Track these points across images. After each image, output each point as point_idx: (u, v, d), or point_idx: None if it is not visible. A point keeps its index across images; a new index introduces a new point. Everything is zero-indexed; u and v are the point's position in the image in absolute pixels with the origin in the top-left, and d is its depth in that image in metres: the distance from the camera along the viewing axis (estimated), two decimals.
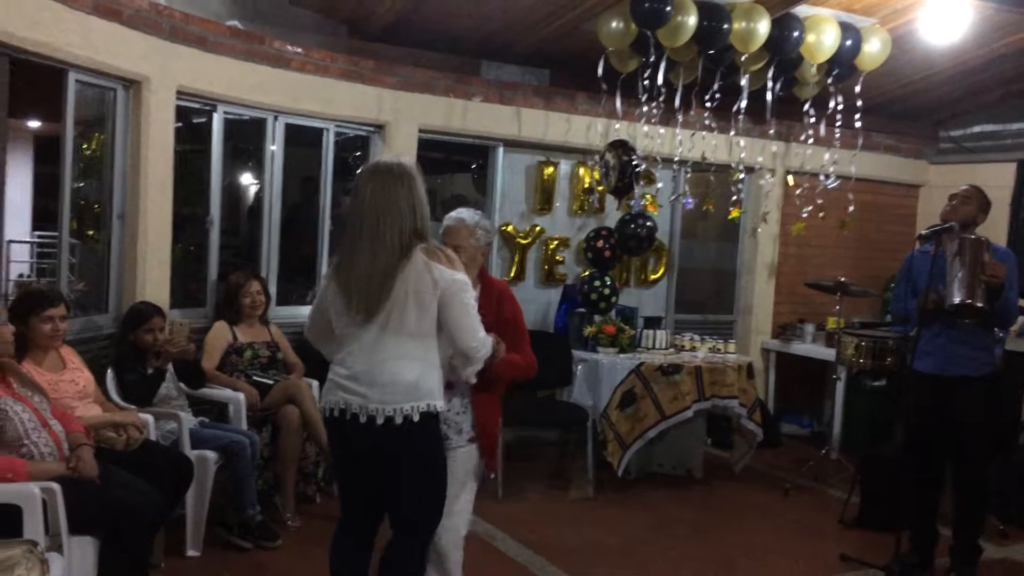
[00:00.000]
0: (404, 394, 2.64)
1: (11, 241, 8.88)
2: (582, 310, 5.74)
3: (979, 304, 3.77)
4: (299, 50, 5.13)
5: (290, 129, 5.28)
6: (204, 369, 4.46)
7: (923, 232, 4.08)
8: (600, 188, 6.05)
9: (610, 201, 6.15)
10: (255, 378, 4.58)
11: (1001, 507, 4.71)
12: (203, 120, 5.04)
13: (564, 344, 5.64)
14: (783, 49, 5.45)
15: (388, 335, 2.64)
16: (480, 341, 2.74)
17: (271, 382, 4.57)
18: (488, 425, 3.08)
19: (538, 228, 6.19)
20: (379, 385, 2.64)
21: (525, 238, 6.14)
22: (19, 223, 9.25)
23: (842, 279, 5.85)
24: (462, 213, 3.14)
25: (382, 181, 2.68)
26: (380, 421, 2.62)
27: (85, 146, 4.68)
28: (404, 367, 2.65)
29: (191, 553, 3.90)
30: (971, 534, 4.08)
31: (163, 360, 4.09)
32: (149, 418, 3.75)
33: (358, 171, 2.89)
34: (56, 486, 2.89)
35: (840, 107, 5.96)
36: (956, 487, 4.12)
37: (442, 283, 2.65)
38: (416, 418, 2.64)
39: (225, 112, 4.97)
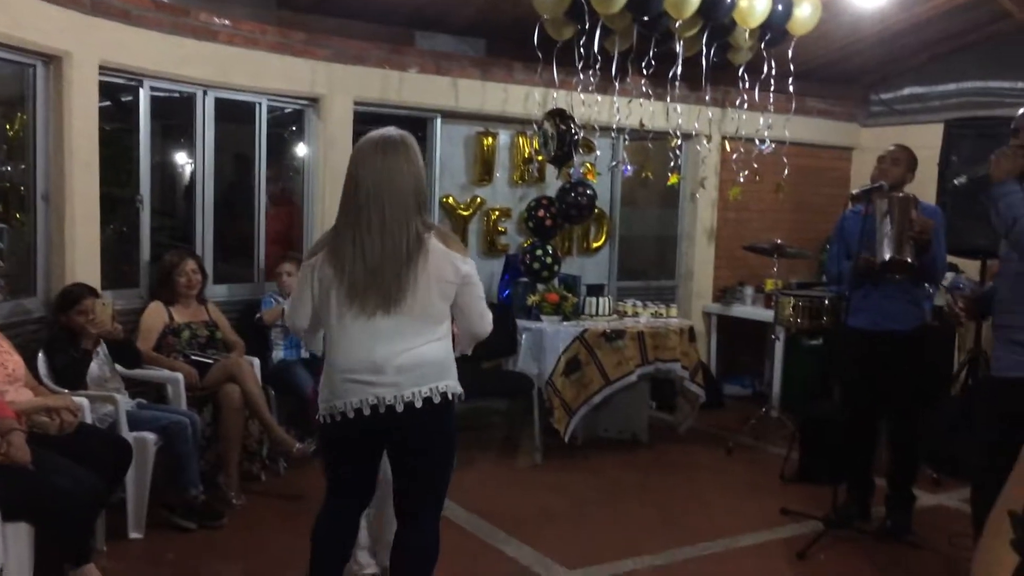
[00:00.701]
0: (437, 374, 2.61)
1: None
2: (525, 279, 5.75)
3: (908, 259, 3.87)
4: (227, 22, 5.01)
5: (222, 105, 5.16)
6: (140, 350, 4.38)
7: (854, 192, 4.17)
8: (540, 157, 6.04)
9: (550, 170, 6.15)
10: (193, 358, 4.51)
11: (933, 456, 4.87)
12: (130, 98, 4.90)
13: (508, 314, 5.64)
14: (716, 14, 5.47)
15: (414, 325, 2.57)
16: (490, 323, 2.77)
17: (210, 361, 4.50)
18: None
19: (479, 199, 6.17)
20: (409, 370, 2.56)
21: (466, 209, 6.12)
22: None
23: (779, 242, 5.96)
24: None
25: (387, 160, 2.55)
26: (419, 405, 2.56)
27: (8, 126, 4.51)
28: (431, 350, 2.61)
29: (134, 536, 3.84)
30: (905, 483, 4.22)
31: (87, 341, 4.00)
32: (84, 401, 3.66)
33: (356, 145, 2.67)
34: None
35: (773, 72, 6.03)
36: (890, 438, 4.25)
37: (462, 269, 2.62)
38: (450, 397, 2.63)
39: (152, 88, 4.83)
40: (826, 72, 7.11)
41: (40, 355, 3.98)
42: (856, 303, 4.10)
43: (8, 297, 4.28)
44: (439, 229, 2.66)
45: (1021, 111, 3.33)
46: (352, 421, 2.58)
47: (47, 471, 3.06)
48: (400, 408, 2.55)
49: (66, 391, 3.79)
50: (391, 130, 2.65)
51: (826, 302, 5.49)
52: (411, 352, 2.57)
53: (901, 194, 3.99)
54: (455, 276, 2.61)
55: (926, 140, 5.58)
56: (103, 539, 3.66)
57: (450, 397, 2.64)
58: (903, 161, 4.12)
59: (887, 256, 3.90)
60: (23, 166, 4.48)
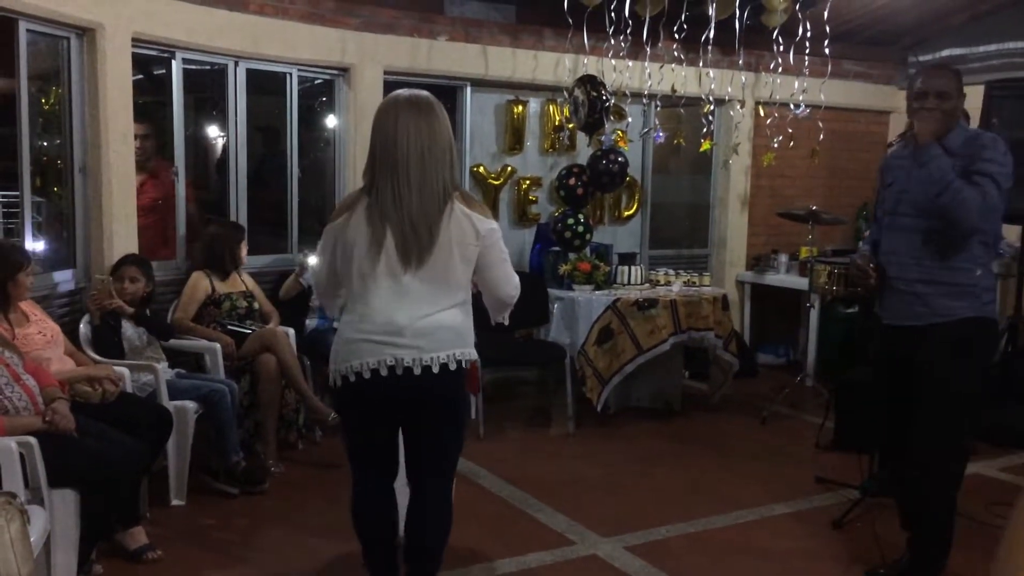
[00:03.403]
0: (453, 341, 2.59)
1: None
2: (556, 249, 5.74)
3: None
4: None
5: (254, 77, 5.17)
6: (177, 320, 4.45)
7: (893, 141, 4.07)
8: (570, 125, 6.00)
9: (581, 138, 6.11)
10: (231, 327, 4.56)
11: (975, 426, 4.80)
12: (163, 71, 4.92)
13: (540, 283, 5.64)
14: None
15: (434, 287, 2.55)
16: (516, 287, 2.72)
17: (247, 331, 4.55)
18: None
19: (509, 168, 6.14)
20: (429, 335, 2.54)
21: (497, 179, 6.10)
22: None
23: (814, 208, 5.88)
24: None
25: (424, 116, 2.52)
26: (436, 369, 2.55)
27: (44, 101, 4.55)
28: (452, 316, 2.59)
29: (175, 502, 3.92)
30: None
31: (94, 315, 4.07)
32: (125, 371, 3.74)
33: (385, 101, 2.62)
34: (33, 440, 2.88)
35: (809, 35, 5.91)
36: None
37: (483, 230, 2.58)
38: (465, 364, 2.62)
39: (184, 59, 4.85)
40: (863, 34, 6.96)
41: (82, 324, 4.07)
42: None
43: (47, 268, 4.36)
44: (463, 192, 2.63)
45: (917, 76, 3.17)
46: (368, 382, 2.55)
47: (91, 438, 3.13)
48: (418, 371, 2.53)
49: (107, 360, 3.86)
50: (418, 91, 2.63)
51: None
52: (431, 317, 2.55)
53: None
54: (475, 238, 2.57)
55: (967, 102, 5.45)
56: (146, 506, 3.74)
57: (464, 365, 2.62)
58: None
59: None
60: (59, 140, 4.53)
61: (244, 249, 4.76)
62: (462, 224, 2.54)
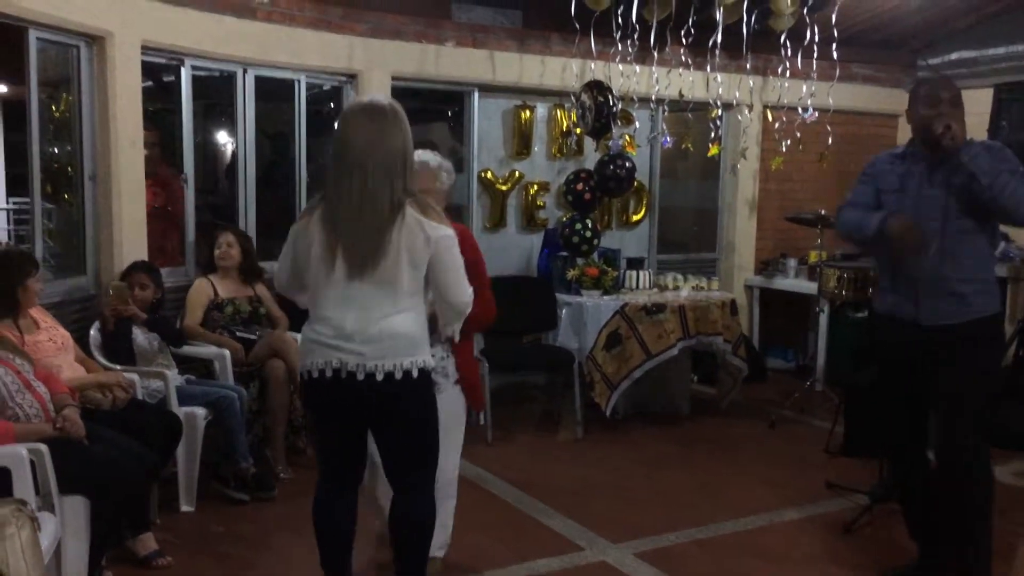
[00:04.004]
0: (402, 350, 2.60)
1: None
2: (564, 254, 5.73)
3: None
4: None
5: (262, 83, 5.19)
6: (186, 326, 4.47)
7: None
8: (578, 130, 6.00)
9: (588, 143, 6.10)
10: (238, 333, 4.57)
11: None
12: (172, 78, 4.94)
13: (548, 288, 5.65)
14: None
15: (382, 292, 2.57)
16: (467, 294, 2.72)
17: (254, 337, 4.56)
18: (468, 366, 3.11)
19: (517, 173, 6.14)
20: (376, 342, 2.57)
21: (504, 184, 6.11)
22: None
23: (823, 212, 5.86)
24: (425, 156, 3.10)
25: (375, 126, 2.55)
26: (380, 377, 2.57)
27: (54, 108, 4.58)
28: (400, 323, 2.60)
29: (185, 508, 3.93)
30: None
31: (107, 321, 4.10)
32: (135, 377, 3.75)
33: (345, 108, 2.68)
34: (44, 447, 2.89)
35: (816, 38, 5.90)
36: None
37: (433, 239, 2.58)
38: (415, 374, 2.62)
39: (193, 66, 4.87)
40: (871, 37, 6.94)
41: (93, 329, 4.10)
42: None
43: (57, 275, 4.38)
44: (418, 198, 2.63)
45: (923, 86, 3.24)
46: (318, 382, 2.62)
47: (101, 445, 3.14)
48: (361, 376, 2.56)
49: (117, 367, 3.88)
50: (379, 96, 2.70)
51: (871, 273, 5.41)
52: (380, 323, 2.57)
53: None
54: (425, 243, 2.57)
55: (976, 105, 5.45)
56: (156, 512, 3.75)
57: (414, 374, 2.61)
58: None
59: None
60: (68, 147, 4.56)
61: (231, 248, 4.67)
62: (412, 230, 2.56)
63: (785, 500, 4.25)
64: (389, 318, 2.58)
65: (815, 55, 6.00)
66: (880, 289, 3.41)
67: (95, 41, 4.33)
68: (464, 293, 2.71)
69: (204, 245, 4.82)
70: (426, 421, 2.74)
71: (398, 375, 2.58)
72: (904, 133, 7.24)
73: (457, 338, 2.88)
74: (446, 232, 2.62)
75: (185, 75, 4.85)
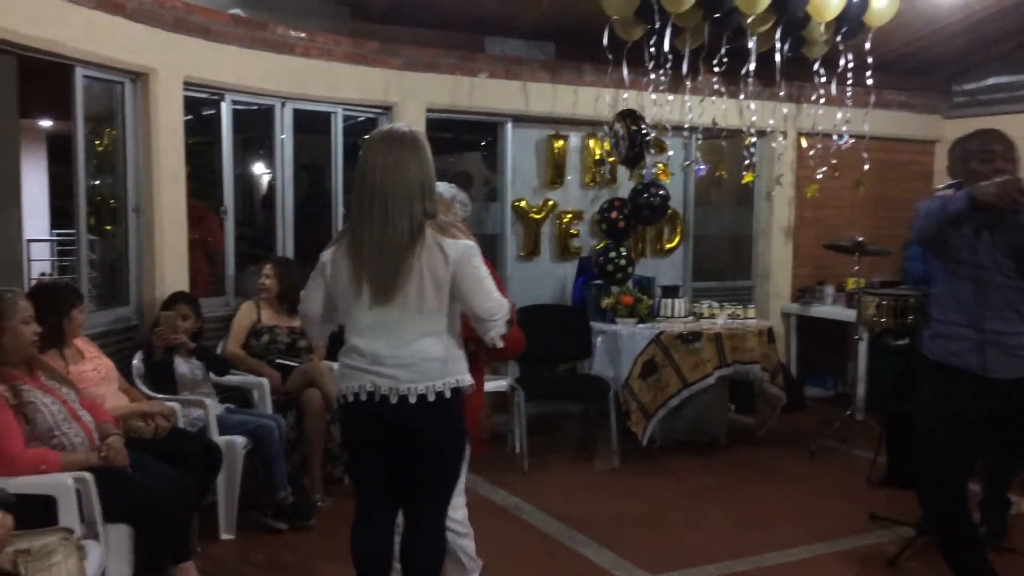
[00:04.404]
0: (435, 372, 2.61)
1: (31, 240, 8.96)
2: (599, 282, 5.73)
3: None
4: (303, 35, 5.13)
5: (299, 116, 5.28)
6: (228, 352, 4.57)
7: (939, 188, 4.02)
8: (611, 159, 6.02)
9: (622, 172, 6.12)
10: (277, 360, 4.63)
11: None
12: (212, 112, 5.05)
13: (582, 317, 5.64)
14: (790, 9, 5.38)
15: (409, 315, 2.60)
16: (496, 301, 2.69)
17: (294, 364, 4.61)
18: (472, 408, 2.99)
19: (551, 202, 6.17)
20: (407, 366, 2.59)
21: (538, 213, 6.13)
22: (37, 222, 9.34)
23: (860, 239, 5.81)
24: (440, 187, 3.09)
25: (394, 154, 2.58)
26: (413, 400, 2.58)
27: (98, 142, 4.70)
28: (430, 345, 2.62)
29: (225, 537, 3.95)
30: (1000, 488, 4.06)
31: (157, 351, 4.16)
32: (176, 406, 3.79)
33: (366, 137, 2.72)
34: (89, 476, 2.93)
35: (850, 65, 5.89)
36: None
37: (452, 254, 2.59)
38: (448, 394, 2.62)
39: (233, 101, 4.97)
40: (905, 63, 6.92)
41: (136, 359, 4.17)
42: None
43: (100, 306, 4.46)
44: (439, 220, 2.65)
45: (974, 139, 3.11)
46: (355, 406, 2.65)
47: (144, 474, 3.17)
48: (394, 400, 2.58)
49: (159, 395, 3.93)
50: (400, 125, 2.72)
51: (912, 300, 5.34)
52: (410, 346, 2.59)
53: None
54: (444, 263, 2.58)
55: (1013, 131, 5.32)
56: (196, 540, 3.76)
57: (447, 395, 2.63)
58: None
59: None
60: (110, 180, 4.66)
61: (268, 280, 4.75)
62: (433, 253, 2.58)
63: (827, 532, 4.17)
64: (418, 341, 2.60)
65: (849, 82, 5.98)
66: (934, 335, 3.25)
67: (139, 78, 4.44)
68: (488, 299, 2.66)
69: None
70: (454, 443, 2.74)
71: (431, 397, 2.60)
72: (942, 160, 7.20)
73: (500, 344, 2.80)
74: (465, 245, 2.63)
75: (225, 109, 4.95)
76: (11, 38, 3.69)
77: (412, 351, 2.60)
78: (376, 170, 2.59)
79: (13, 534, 2.21)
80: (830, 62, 5.97)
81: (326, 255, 2.71)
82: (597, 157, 6.22)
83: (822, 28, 5.66)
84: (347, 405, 2.68)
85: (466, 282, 2.63)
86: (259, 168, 6.21)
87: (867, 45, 5.81)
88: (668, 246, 6.60)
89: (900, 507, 4.23)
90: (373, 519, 2.80)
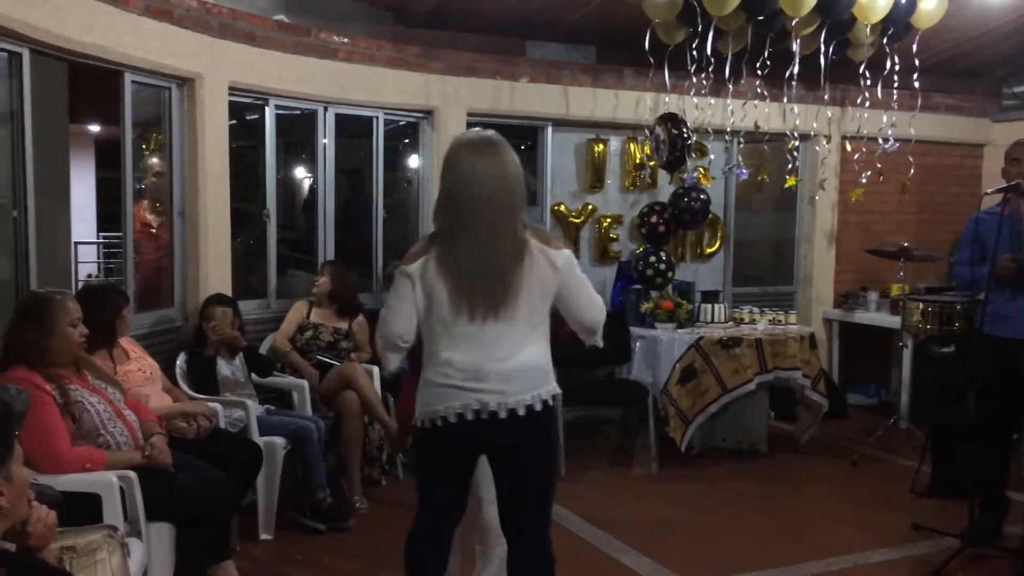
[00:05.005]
0: (539, 381, 2.56)
1: (78, 243, 9.15)
2: (638, 286, 5.70)
3: None
4: (345, 40, 5.18)
5: (340, 120, 5.33)
6: (276, 343, 4.72)
7: (988, 192, 3.95)
8: (652, 163, 5.99)
9: (662, 176, 6.09)
10: (318, 357, 4.69)
11: None
12: (255, 116, 5.12)
13: (621, 321, 5.60)
14: (835, 11, 5.30)
15: (513, 328, 2.51)
16: (600, 308, 2.65)
17: (334, 363, 4.66)
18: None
19: (590, 206, 6.15)
20: (513, 379, 2.50)
21: (577, 217, 6.12)
22: (85, 224, 9.54)
23: (905, 244, 5.70)
24: None
25: (494, 158, 2.48)
26: (522, 412, 2.51)
27: (144, 146, 4.79)
28: (533, 355, 2.56)
29: (264, 537, 4.00)
30: (999, 488, 4.01)
31: (210, 346, 4.24)
32: (218, 407, 3.85)
33: (452, 145, 2.57)
34: (133, 475, 2.98)
35: (897, 68, 5.79)
36: None
37: (560, 267, 2.54)
38: (551, 402, 2.57)
39: (276, 106, 5.04)
40: (953, 66, 6.79)
41: (179, 359, 4.24)
42: (996, 310, 3.88)
43: (142, 308, 4.54)
44: (534, 227, 2.59)
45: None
46: (453, 427, 2.51)
47: (186, 473, 3.21)
48: (503, 415, 2.49)
49: (201, 396, 3.99)
50: (486, 132, 2.59)
51: (958, 307, 5.23)
52: (514, 359, 2.51)
53: None
54: (553, 273, 2.53)
55: None
56: (236, 539, 3.81)
57: (550, 403, 2.58)
58: None
59: None
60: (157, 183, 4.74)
61: (316, 286, 4.89)
62: (539, 263, 2.52)
63: (870, 541, 4.10)
64: (521, 352, 2.53)
65: (895, 84, 5.88)
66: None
67: (186, 83, 4.52)
68: (598, 308, 2.63)
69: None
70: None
71: (538, 406, 2.54)
72: (991, 164, 7.05)
73: (601, 344, 2.72)
74: (568, 254, 2.59)
75: (269, 114, 5.01)
76: (64, 44, 3.77)
77: (515, 363, 2.52)
78: (473, 180, 2.47)
79: (58, 531, 2.25)
80: (876, 64, 5.87)
81: (413, 270, 2.52)
82: (637, 161, 6.20)
83: (868, 30, 5.58)
84: (445, 427, 2.52)
85: (573, 292, 2.58)
86: (300, 172, 6.27)
87: (914, 47, 5.71)
88: (708, 251, 6.55)
89: (944, 518, 4.14)
90: (435, 534, 2.73)
